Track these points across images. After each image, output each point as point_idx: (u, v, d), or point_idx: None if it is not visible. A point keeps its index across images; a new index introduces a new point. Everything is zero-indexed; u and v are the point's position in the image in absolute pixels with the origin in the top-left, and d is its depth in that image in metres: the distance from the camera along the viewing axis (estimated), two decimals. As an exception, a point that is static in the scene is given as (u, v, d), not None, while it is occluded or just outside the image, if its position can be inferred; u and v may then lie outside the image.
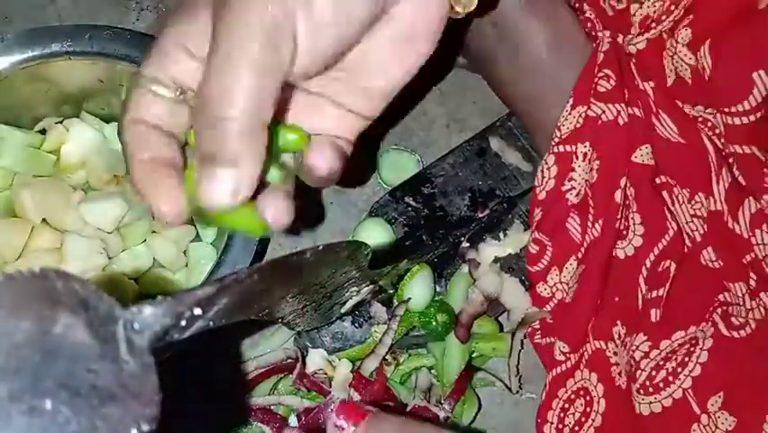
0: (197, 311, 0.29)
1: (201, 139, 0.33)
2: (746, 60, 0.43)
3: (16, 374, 0.23)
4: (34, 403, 0.23)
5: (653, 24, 0.46)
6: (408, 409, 0.54)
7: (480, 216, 0.58)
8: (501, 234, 0.58)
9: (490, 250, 0.56)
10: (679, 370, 0.42)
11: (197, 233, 0.56)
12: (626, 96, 0.50)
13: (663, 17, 0.45)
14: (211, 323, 0.30)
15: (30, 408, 0.23)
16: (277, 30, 0.32)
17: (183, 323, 0.29)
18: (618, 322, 0.47)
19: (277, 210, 0.35)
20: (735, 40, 0.43)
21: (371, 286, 0.50)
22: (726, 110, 0.44)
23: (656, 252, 0.49)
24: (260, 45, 0.31)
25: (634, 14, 0.46)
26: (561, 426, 0.49)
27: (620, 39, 0.48)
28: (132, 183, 0.37)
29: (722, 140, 0.48)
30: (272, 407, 0.55)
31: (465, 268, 0.57)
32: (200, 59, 0.34)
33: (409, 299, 0.55)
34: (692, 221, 0.49)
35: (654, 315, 0.45)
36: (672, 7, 0.45)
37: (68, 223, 0.53)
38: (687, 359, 0.42)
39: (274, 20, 0.31)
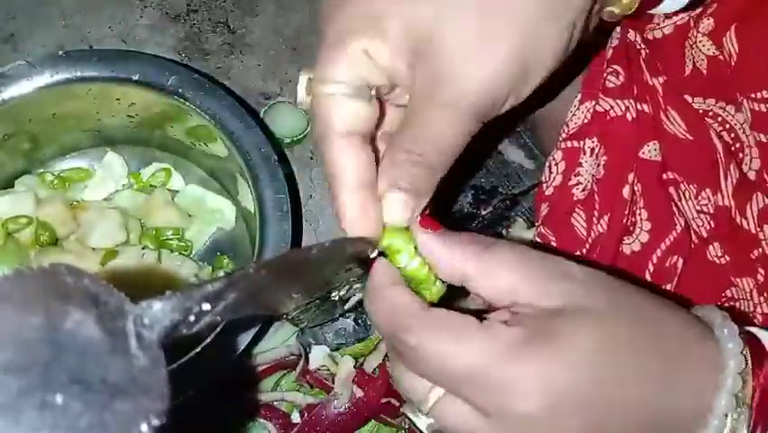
0: (206, 306, 0.29)
1: (400, 172, 0.34)
2: None
3: (27, 370, 0.23)
4: (45, 398, 0.23)
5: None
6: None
7: (483, 213, 0.58)
8: (504, 232, 0.58)
9: (493, 247, 0.56)
10: None
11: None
12: (635, 92, 0.50)
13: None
14: (219, 318, 0.30)
15: (41, 403, 0.23)
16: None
17: (192, 318, 0.29)
18: None
19: None
20: (761, 24, 0.42)
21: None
22: (753, 96, 0.43)
23: (663, 247, 0.49)
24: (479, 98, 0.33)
25: None
26: None
27: (631, 34, 0.48)
28: (338, 211, 0.36)
29: (732, 135, 0.48)
30: (275, 403, 0.55)
31: (468, 265, 0.57)
32: (381, 67, 0.34)
33: (413, 295, 0.55)
34: (699, 217, 0.49)
35: None
36: None
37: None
38: None
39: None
